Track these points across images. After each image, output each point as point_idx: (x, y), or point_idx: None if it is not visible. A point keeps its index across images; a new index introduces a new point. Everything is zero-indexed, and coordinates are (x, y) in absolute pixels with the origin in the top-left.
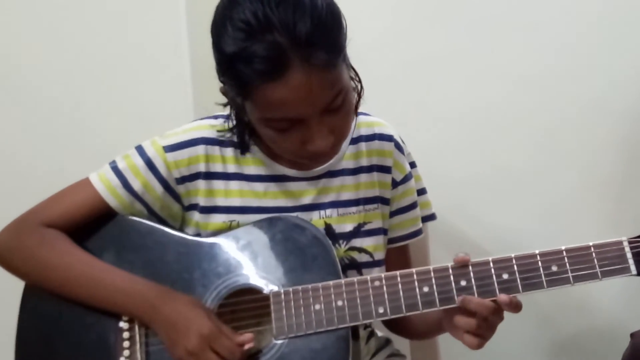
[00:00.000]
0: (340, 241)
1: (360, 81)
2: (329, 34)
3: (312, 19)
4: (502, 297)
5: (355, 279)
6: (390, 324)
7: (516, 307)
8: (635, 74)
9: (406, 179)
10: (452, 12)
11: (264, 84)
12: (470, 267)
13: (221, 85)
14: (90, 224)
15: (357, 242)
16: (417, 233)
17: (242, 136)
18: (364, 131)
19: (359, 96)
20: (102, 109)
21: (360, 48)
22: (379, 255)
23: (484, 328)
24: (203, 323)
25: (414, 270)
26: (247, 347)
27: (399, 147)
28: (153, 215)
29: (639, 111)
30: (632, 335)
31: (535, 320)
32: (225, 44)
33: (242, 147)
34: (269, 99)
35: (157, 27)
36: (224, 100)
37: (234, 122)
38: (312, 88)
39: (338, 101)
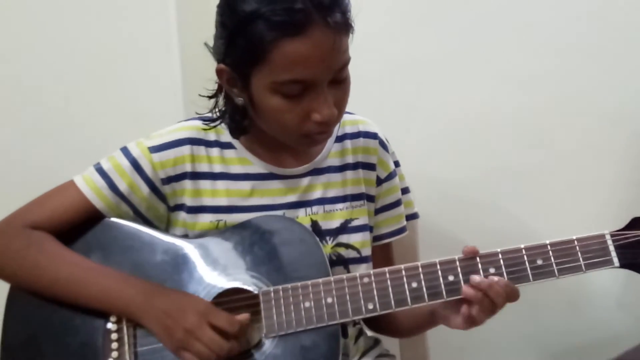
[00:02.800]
0: (327, 237)
1: None
2: (345, 5)
3: None
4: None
5: (344, 276)
6: (374, 325)
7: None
8: (631, 74)
9: (390, 176)
10: (445, 13)
11: (285, 39)
12: (457, 263)
13: (220, 64)
14: (76, 226)
15: (344, 239)
16: (402, 231)
17: (235, 118)
18: (348, 129)
19: None
20: (92, 107)
21: (353, 48)
22: (366, 251)
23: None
24: (198, 302)
25: (402, 266)
26: (242, 317)
27: (383, 145)
28: (139, 216)
29: (634, 112)
30: None
31: (525, 323)
32: (244, 3)
33: (238, 130)
34: (289, 55)
35: (147, 24)
36: (209, 93)
37: (224, 108)
38: (332, 46)
39: (344, 73)
